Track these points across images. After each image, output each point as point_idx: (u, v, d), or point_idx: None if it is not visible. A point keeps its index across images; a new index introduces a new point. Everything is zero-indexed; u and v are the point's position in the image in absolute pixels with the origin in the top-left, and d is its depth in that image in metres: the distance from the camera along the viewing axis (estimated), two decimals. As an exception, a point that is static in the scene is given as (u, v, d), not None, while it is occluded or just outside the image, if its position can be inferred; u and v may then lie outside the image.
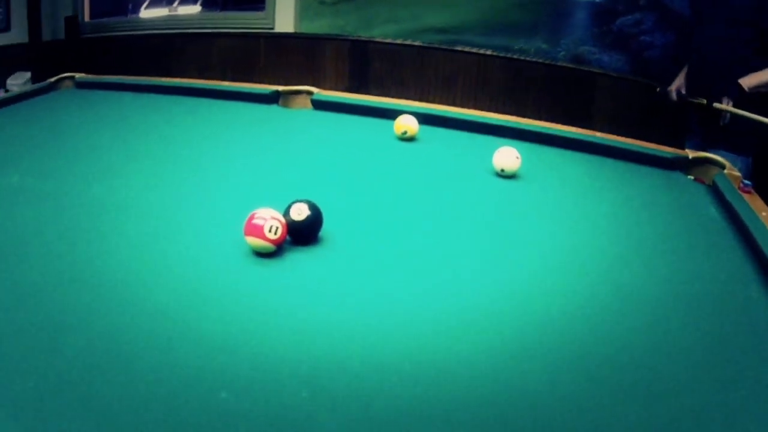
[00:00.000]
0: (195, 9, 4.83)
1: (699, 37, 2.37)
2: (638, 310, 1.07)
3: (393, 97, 2.37)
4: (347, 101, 2.27)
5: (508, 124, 2.04)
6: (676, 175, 1.81)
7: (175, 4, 5.16)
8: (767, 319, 1.06)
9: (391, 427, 0.76)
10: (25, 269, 1.09)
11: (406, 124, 1.91)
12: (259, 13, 4.18)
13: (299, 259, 1.16)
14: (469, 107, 2.26)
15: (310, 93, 2.33)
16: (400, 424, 0.77)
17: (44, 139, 1.86)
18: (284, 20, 4.15)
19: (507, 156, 1.64)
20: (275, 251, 1.15)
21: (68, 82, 2.49)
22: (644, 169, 1.84)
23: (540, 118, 2.19)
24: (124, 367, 0.83)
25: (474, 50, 3.64)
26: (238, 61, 4.31)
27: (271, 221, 1.11)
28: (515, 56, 3.54)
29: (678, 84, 2.45)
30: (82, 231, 1.25)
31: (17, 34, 4.52)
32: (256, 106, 2.30)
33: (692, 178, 1.80)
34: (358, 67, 4.04)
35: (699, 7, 2.37)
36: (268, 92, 2.33)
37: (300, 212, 1.16)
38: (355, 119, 2.17)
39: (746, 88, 2.07)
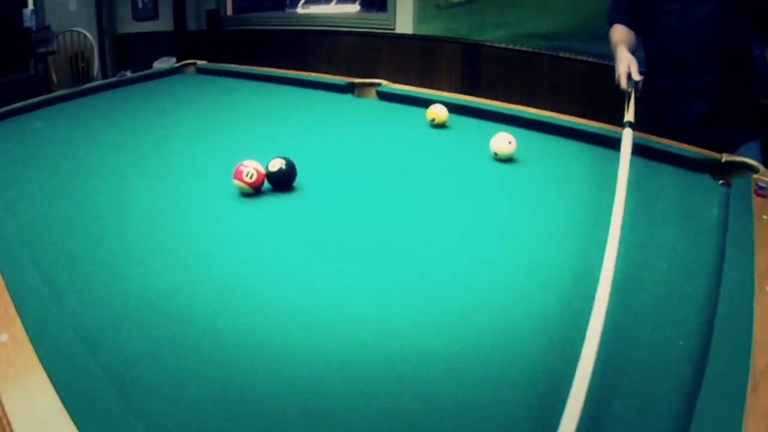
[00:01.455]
0: (354, 8, 5.30)
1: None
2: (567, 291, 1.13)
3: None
4: (404, 93, 2.55)
5: (529, 115, 2.21)
6: (703, 178, 1.74)
7: (333, 2, 5.66)
8: (688, 311, 1.07)
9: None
10: (96, 193, 1.59)
11: (435, 112, 2.16)
12: (382, 15, 4.57)
13: (272, 201, 1.51)
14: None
15: (379, 85, 2.65)
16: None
17: (150, 109, 2.38)
18: (404, 21, 4.48)
19: (500, 141, 1.83)
20: (253, 193, 1.50)
21: (191, 68, 3.02)
22: (669, 169, 1.80)
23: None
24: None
25: (578, 57, 3.74)
26: (362, 58, 4.71)
27: (250, 169, 1.47)
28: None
29: (624, 66, 2.07)
30: (148, 175, 1.72)
31: (164, 23, 5.30)
32: (333, 95, 2.66)
33: (721, 182, 1.73)
34: (470, 69, 4.26)
35: None
36: (344, 83, 2.69)
37: (275, 165, 1.50)
38: (406, 108, 2.44)
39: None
